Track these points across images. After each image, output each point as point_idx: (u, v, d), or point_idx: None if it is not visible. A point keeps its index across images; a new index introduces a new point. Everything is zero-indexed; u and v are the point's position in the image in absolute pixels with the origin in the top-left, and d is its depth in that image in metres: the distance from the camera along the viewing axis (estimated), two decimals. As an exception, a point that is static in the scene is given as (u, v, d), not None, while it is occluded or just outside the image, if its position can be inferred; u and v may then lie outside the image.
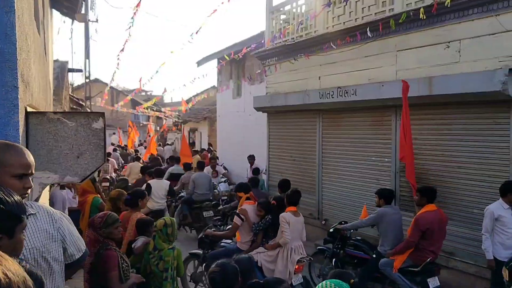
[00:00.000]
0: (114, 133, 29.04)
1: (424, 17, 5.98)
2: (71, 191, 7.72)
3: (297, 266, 5.22)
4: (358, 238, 6.46)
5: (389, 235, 5.56)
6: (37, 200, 2.67)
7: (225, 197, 10.06)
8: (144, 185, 7.74)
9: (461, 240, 6.04)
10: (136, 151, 20.56)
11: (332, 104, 7.82)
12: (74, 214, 6.72)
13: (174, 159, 12.19)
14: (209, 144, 19.35)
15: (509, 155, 5.50)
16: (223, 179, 11.25)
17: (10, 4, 2.19)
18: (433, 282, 5.10)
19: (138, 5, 7.23)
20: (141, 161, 15.20)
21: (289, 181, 6.39)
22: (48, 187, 5.33)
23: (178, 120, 26.11)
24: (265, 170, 10.67)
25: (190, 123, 22.78)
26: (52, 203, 6.46)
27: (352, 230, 6.24)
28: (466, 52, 5.87)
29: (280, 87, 9.51)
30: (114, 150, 17.41)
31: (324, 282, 2.43)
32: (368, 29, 6.81)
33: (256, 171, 10.24)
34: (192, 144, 22.80)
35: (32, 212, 1.97)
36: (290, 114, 9.36)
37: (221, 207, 9.01)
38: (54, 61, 11.78)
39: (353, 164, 7.79)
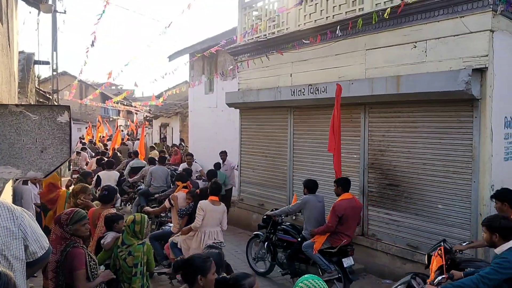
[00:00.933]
0: (85, 128, 28.35)
1: (390, 18, 6.13)
2: (36, 186, 7.50)
3: None
4: (288, 223, 7.00)
5: (312, 220, 6.12)
6: (-2, 195, 2.58)
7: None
8: (95, 177, 8.23)
9: (426, 234, 6.23)
10: (105, 145, 20.16)
11: (303, 101, 7.90)
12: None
13: (133, 153, 12.96)
14: (181, 140, 19.19)
15: (471, 153, 5.71)
16: (196, 175, 11.12)
17: (-31, -8, 2.10)
18: (347, 261, 5.77)
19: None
20: (107, 155, 15.05)
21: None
22: (10, 182, 5.16)
23: (149, 115, 25.73)
24: (237, 166, 10.66)
25: (161, 118, 22.49)
26: (18, 198, 6.26)
27: (282, 216, 6.83)
28: (432, 52, 6.04)
29: (252, 83, 9.52)
30: (84, 148, 17.03)
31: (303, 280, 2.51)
32: (338, 27, 6.91)
33: (217, 165, 10.28)
34: (164, 139, 22.55)
35: None
36: (262, 110, 9.39)
37: (157, 195, 9.48)
38: (20, 52, 11.38)
39: (323, 160, 7.90)
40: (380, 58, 6.72)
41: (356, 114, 7.26)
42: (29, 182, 7.08)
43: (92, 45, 9.88)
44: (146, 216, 4.48)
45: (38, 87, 16.19)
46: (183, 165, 11.06)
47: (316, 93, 7.52)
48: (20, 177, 2.52)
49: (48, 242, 2.20)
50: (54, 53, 16.16)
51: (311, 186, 6.32)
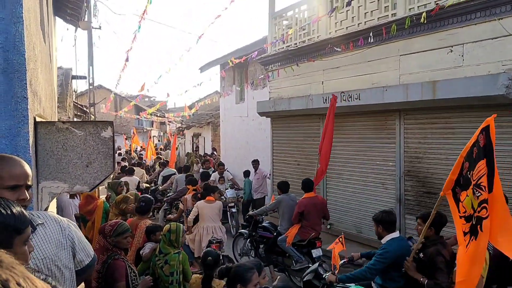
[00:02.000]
0: (125, 138, 29.22)
1: (426, 22, 6.00)
2: (76, 198, 7.73)
3: (213, 246, 5.91)
4: (267, 222, 7.63)
5: (285, 217, 6.73)
6: (46, 209, 2.68)
7: (232, 204, 9.80)
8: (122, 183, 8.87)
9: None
10: (141, 155, 20.64)
11: (336, 108, 7.82)
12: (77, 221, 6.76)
13: (163, 164, 13.71)
14: (213, 149, 19.37)
15: (513, 158, 5.50)
16: (229, 184, 11.19)
17: (18, 15, 2.21)
18: (316, 252, 6.32)
19: (143, 13, 7.28)
20: (143, 165, 15.43)
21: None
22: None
23: (182, 125, 26.15)
24: (269, 174, 10.66)
25: (193, 128, 22.80)
26: (59, 210, 6.49)
27: (263, 216, 7.55)
28: (469, 56, 5.87)
29: (283, 92, 9.53)
30: (123, 159, 17.56)
31: None
32: (371, 34, 6.83)
33: (246, 173, 10.65)
34: (196, 149, 22.84)
35: (39, 222, 1.98)
36: (293, 119, 9.37)
37: (165, 198, 10.21)
38: (58, 68, 11.85)
39: (357, 168, 7.80)
40: (414, 64, 6.60)
41: (390, 121, 7.13)
42: (69, 194, 7.31)
43: (127, 60, 10.17)
44: (181, 225, 4.55)
45: (75, 101, 16.79)
46: (215, 175, 11.16)
47: (348, 100, 7.45)
48: (67, 191, 2.62)
49: (92, 250, 2.27)
50: (90, 67, 16.71)
51: (283, 187, 7.00)
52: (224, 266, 3.51)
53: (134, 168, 11.96)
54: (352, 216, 7.97)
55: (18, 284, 0.76)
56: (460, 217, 3.30)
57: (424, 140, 6.63)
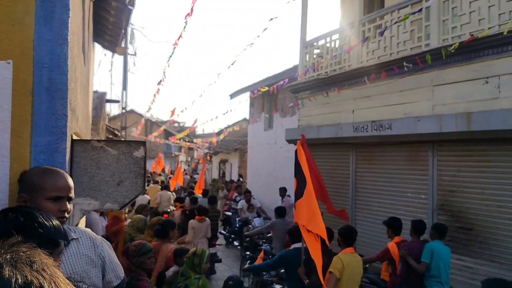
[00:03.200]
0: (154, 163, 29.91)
1: (459, 53, 5.92)
2: (104, 219, 7.83)
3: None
4: (266, 245, 8.31)
5: (278, 239, 7.43)
6: (76, 225, 2.71)
7: (261, 234, 9.50)
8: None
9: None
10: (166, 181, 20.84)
11: (366, 138, 7.73)
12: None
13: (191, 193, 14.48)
14: (239, 175, 19.40)
15: (555, 195, 5.24)
16: (255, 211, 11.08)
17: (64, 37, 2.31)
18: None
19: (177, 39, 7.49)
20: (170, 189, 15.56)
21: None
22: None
23: (209, 151, 26.39)
24: (294, 205, 10.51)
25: (220, 154, 22.97)
26: (89, 227, 6.58)
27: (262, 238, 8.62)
28: (506, 88, 5.72)
29: (313, 120, 9.51)
30: (156, 182, 17.82)
31: None
32: (404, 63, 6.78)
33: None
34: (223, 175, 22.93)
35: (74, 236, 2.00)
36: (322, 147, 9.29)
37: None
38: (94, 92, 12.25)
39: (388, 200, 7.60)
40: (448, 94, 6.48)
41: (423, 152, 6.96)
42: (98, 214, 7.42)
43: (159, 83, 10.41)
44: (207, 251, 4.51)
45: (108, 124, 17.25)
46: (242, 202, 11.10)
47: (380, 130, 7.35)
48: (98, 208, 2.65)
49: (123, 272, 2.26)
50: (124, 92, 17.23)
51: (279, 212, 7.90)
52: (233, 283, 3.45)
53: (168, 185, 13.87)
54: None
55: (41, 287, 0.75)
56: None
57: (458, 173, 6.43)
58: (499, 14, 5.80)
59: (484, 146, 6.08)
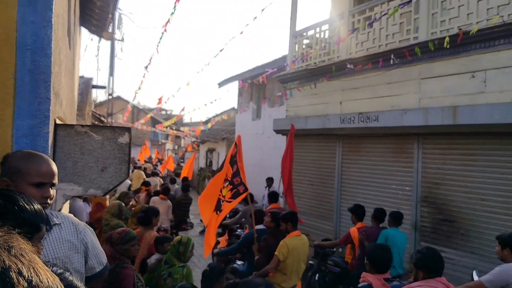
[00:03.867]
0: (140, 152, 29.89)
1: (450, 45, 5.95)
2: (88, 205, 7.76)
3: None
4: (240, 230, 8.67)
5: (249, 225, 7.48)
6: (59, 211, 2.68)
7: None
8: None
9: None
10: (155, 165, 20.86)
11: (353, 129, 7.77)
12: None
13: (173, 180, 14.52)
14: (226, 165, 19.35)
15: (536, 189, 5.34)
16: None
17: (48, 19, 2.25)
18: None
19: (165, 25, 7.39)
20: (158, 177, 15.56)
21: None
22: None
23: (196, 140, 26.29)
24: (282, 193, 10.56)
25: (208, 143, 22.89)
26: (73, 213, 6.51)
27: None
28: (492, 83, 5.79)
29: (301, 111, 9.51)
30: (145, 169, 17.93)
31: None
32: (392, 56, 6.81)
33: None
34: (210, 164, 22.90)
35: (57, 222, 1.97)
36: (309, 138, 9.32)
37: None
38: (80, 77, 12.06)
39: (372, 191, 7.67)
40: (435, 88, 6.53)
41: (409, 145, 7.03)
42: (82, 200, 7.35)
43: (146, 68, 10.30)
44: (192, 240, 4.49)
45: (94, 110, 17.02)
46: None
47: (366, 122, 7.39)
48: (81, 194, 2.61)
49: (106, 258, 2.24)
50: (111, 78, 16.98)
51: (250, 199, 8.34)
52: (231, 281, 3.46)
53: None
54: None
55: (19, 273, 0.73)
56: (223, 201, 5.47)
57: (442, 166, 6.51)
58: (487, 9, 5.85)
59: (469, 140, 6.16)
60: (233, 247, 6.29)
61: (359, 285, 3.43)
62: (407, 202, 7.01)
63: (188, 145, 31.09)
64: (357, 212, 6.18)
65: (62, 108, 3.22)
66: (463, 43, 6.00)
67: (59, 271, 1.17)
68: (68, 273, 1.22)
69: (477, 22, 5.73)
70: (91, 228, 2.17)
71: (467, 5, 6.13)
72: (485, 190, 5.93)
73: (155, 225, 5.67)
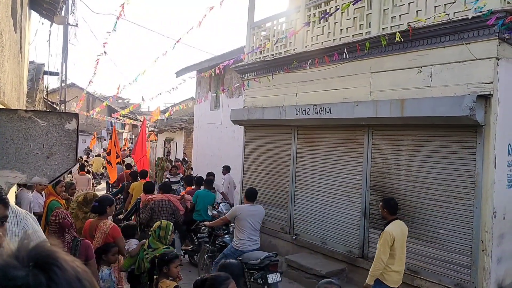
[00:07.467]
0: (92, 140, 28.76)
1: (396, 42, 6.20)
2: (42, 196, 7.50)
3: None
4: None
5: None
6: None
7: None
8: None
9: (426, 259, 6.17)
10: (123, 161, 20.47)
11: (308, 120, 7.95)
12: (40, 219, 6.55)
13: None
14: (184, 154, 19.23)
15: (474, 179, 5.70)
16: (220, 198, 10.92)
17: (-12, -1, 2.18)
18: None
19: (121, 11, 7.22)
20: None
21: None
22: (14, 188, 5.18)
23: (154, 129, 25.86)
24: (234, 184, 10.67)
25: (166, 133, 22.59)
26: (18, 204, 6.29)
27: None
28: (437, 77, 6.09)
29: (258, 102, 9.60)
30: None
31: None
32: (345, 50, 7.00)
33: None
34: (167, 154, 22.61)
35: None
36: (266, 129, 9.44)
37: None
38: (30, 62, 11.56)
39: (325, 180, 7.90)
40: (385, 81, 6.79)
41: (359, 136, 7.29)
42: (34, 190, 7.10)
43: (105, 53, 10.02)
44: (171, 224, 4.87)
45: (46, 97, 16.37)
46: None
47: (320, 113, 7.58)
48: (25, 181, 2.55)
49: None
50: (64, 64, 16.38)
51: (199, 182, 9.34)
52: (199, 277, 3.52)
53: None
54: (317, 228, 8.05)
55: None
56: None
57: (390, 156, 6.81)
58: (435, 7, 6.12)
59: (415, 132, 6.46)
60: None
61: None
62: (357, 190, 7.28)
63: (151, 133, 30.66)
64: (199, 182, 9.04)
65: (6, 93, 3.12)
66: (411, 39, 6.27)
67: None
68: None
69: (426, 19, 6.00)
70: (33, 216, 2.14)
71: (416, 2, 6.39)
72: (429, 179, 6.26)
73: (109, 214, 5.61)
